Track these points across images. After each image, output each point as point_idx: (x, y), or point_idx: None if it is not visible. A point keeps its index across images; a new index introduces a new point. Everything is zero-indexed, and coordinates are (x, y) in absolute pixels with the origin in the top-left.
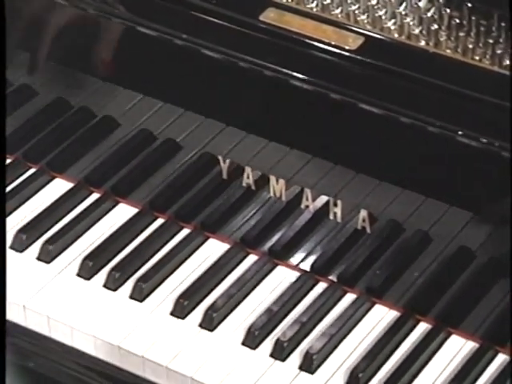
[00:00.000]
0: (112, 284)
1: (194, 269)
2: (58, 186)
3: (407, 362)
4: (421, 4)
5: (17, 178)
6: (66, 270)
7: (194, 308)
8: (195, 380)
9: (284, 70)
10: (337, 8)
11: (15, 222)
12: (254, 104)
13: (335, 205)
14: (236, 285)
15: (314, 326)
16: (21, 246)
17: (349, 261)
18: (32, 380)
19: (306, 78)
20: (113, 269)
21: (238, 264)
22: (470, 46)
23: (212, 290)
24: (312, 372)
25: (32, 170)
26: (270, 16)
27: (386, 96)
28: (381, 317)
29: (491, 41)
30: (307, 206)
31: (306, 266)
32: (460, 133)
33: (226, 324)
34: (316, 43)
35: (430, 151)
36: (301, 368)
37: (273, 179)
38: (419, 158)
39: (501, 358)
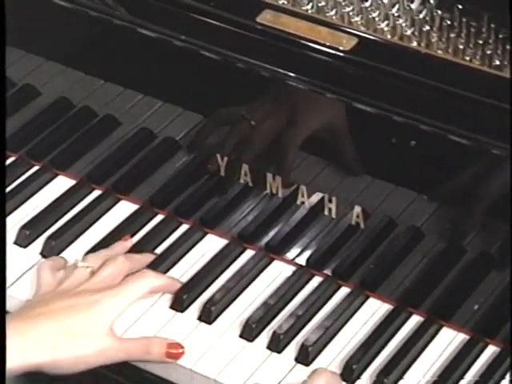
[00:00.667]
0: None
1: (193, 263)
2: (61, 183)
3: (400, 353)
4: (413, 6)
5: (21, 175)
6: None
7: (193, 301)
8: (194, 371)
9: (280, 70)
10: (331, 10)
11: (19, 218)
12: (251, 103)
13: (330, 201)
14: (234, 279)
15: (309, 319)
16: (24, 241)
17: (343, 255)
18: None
19: (301, 78)
20: None
21: (235, 259)
22: (461, 47)
23: (210, 284)
24: (307, 364)
25: (35, 168)
26: (266, 18)
27: (379, 95)
28: (374, 310)
29: (481, 41)
30: (303, 203)
31: (302, 260)
32: (452, 131)
33: (224, 317)
34: (311, 44)
35: (422, 149)
36: (297, 360)
37: (269, 176)
38: (411, 155)
39: (490, 350)
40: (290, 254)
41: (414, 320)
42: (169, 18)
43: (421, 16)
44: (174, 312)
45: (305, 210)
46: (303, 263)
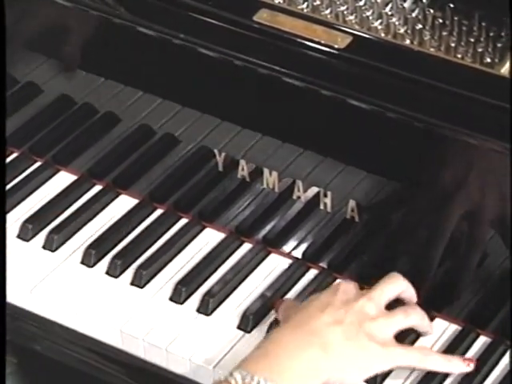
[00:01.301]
0: (114, 271)
1: (192, 257)
2: (63, 179)
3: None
4: (406, 5)
5: (23, 170)
6: (70, 258)
7: (191, 294)
8: (193, 362)
9: (277, 68)
10: (326, 9)
11: (22, 212)
12: (248, 100)
13: (325, 195)
14: (231, 271)
15: None
16: (27, 235)
17: (338, 248)
18: (38, 362)
19: (297, 75)
20: (115, 257)
21: (233, 252)
22: (453, 45)
23: (209, 276)
24: None
25: (38, 164)
26: (263, 16)
27: (373, 92)
28: None
29: (472, 40)
30: (299, 197)
31: (298, 253)
32: (444, 126)
33: (222, 309)
34: (307, 42)
35: (415, 145)
36: None
37: (266, 171)
38: (404, 151)
39: (482, 340)
40: (287, 247)
41: None
42: (168, 17)
43: (413, 15)
44: (173, 304)
45: (301, 205)
46: (299, 256)
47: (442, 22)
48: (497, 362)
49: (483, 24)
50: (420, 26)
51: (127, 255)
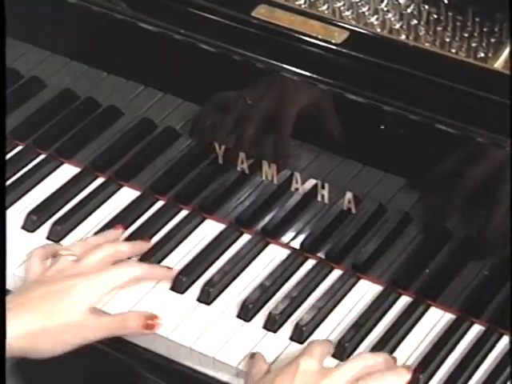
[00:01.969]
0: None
1: (192, 247)
2: (66, 171)
3: (390, 332)
4: (401, 1)
5: (28, 163)
6: None
7: (192, 283)
8: (194, 350)
9: (275, 63)
10: (323, 5)
11: (26, 204)
12: (247, 94)
13: (323, 187)
14: (231, 262)
15: (303, 300)
16: (32, 226)
17: (335, 239)
18: None
19: (295, 69)
20: None
21: (233, 242)
22: (447, 40)
23: (209, 266)
24: (302, 342)
25: (42, 156)
26: (261, 12)
27: (369, 86)
28: (365, 291)
29: (466, 35)
30: (297, 189)
31: (296, 244)
32: (438, 119)
33: (222, 298)
34: (304, 37)
35: (411, 137)
36: (291, 338)
37: (265, 164)
38: (400, 143)
39: (476, 329)
40: (285, 238)
41: (403, 300)
42: (168, 13)
43: (408, 10)
44: (174, 293)
45: (299, 196)
46: (297, 247)
47: (436, 18)
48: (490, 350)
49: (477, 19)
50: (415, 21)
51: None
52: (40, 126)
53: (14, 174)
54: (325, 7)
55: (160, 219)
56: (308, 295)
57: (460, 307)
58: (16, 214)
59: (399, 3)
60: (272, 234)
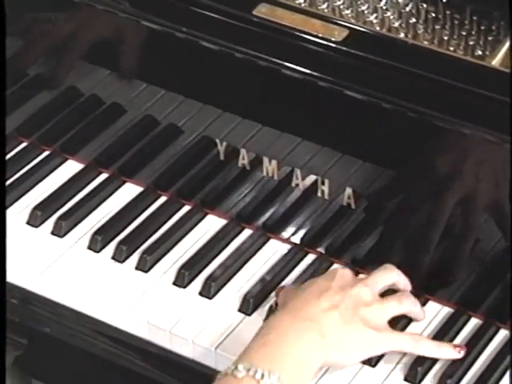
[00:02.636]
0: (119, 256)
1: (194, 242)
2: (70, 167)
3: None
4: (399, 0)
5: (32, 159)
6: (77, 243)
7: (194, 278)
8: (196, 343)
9: (276, 60)
10: (323, 3)
11: (31, 199)
12: (248, 91)
13: (323, 183)
14: (232, 256)
15: None
16: (36, 221)
17: (335, 234)
18: (48, 344)
19: (295, 67)
20: (120, 242)
21: (234, 238)
22: (445, 38)
23: (211, 261)
24: None
25: (46, 153)
26: (262, 11)
27: (369, 83)
28: None
29: (464, 33)
30: (297, 185)
31: (297, 239)
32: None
33: (223, 292)
34: (305, 35)
35: (409, 134)
36: None
37: (266, 160)
38: (399, 140)
39: (473, 322)
40: (286, 233)
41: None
42: (171, 11)
43: (407, 9)
44: (176, 288)
45: (299, 192)
46: (298, 242)
47: (434, 16)
48: (487, 344)
49: (474, 18)
50: (414, 19)
51: (132, 241)
52: (44, 122)
53: (19, 170)
54: (325, 6)
55: (162, 215)
56: None
57: (457, 301)
58: (21, 209)
59: (398, 2)
60: (273, 229)
